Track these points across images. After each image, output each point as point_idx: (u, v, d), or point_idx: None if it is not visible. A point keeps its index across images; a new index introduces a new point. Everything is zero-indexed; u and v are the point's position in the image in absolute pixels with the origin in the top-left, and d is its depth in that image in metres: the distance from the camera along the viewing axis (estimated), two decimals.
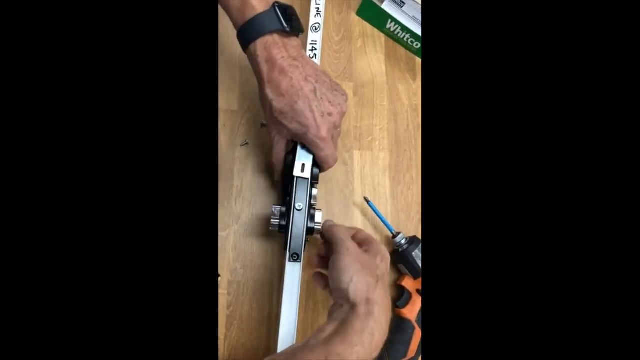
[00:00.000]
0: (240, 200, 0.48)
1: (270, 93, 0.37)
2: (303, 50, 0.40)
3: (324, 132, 0.38)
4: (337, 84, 0.41)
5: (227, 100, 0.51)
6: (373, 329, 0.30)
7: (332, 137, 0.40)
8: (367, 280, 0.33)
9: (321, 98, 0.38)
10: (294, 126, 0.38)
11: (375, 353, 0.31)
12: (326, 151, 0.39)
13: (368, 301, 0.32)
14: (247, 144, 0.50)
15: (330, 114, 0.38)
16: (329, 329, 0.31)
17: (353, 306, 0.32)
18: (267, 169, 0.49)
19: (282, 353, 0.32)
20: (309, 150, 0.41)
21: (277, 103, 0.37)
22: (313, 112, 0.37)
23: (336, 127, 0.39)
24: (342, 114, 0.40)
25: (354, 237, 0.39)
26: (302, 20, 0.40)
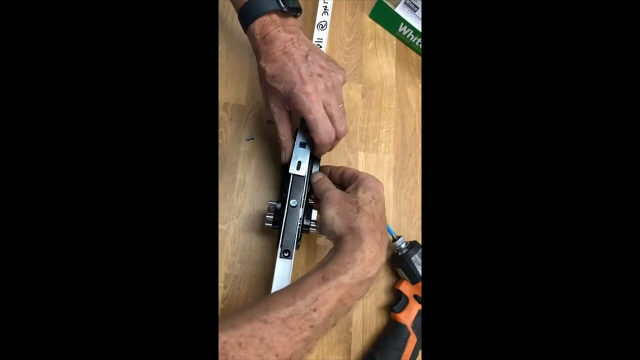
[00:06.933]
0: (242, 194, 0.48)
1: (263, 62, 0.39)
2: (300, 30, 0.40)
3: (309, 88, 0.37)
4: (335, 61, 0.41)
5: (236, 95, 0.51)
6: (363, 248, 0.33)
7: (325, 106, 0.38)
8: (346, 215, 0.35)
9: (312, 61, 0.38)
10: (282, 86, 0.38)
11: (373, 268, 0.33)
12: (314, 113, 0.37)
13: (351, 229, 0.34)
14: (252, 138, 0.50)
15: (320, 75, 0.38)
16: (324, 259, 0.34)
17: (340, 237, 0.34)
18: (271, 165, 0.49)
19: (287, 286, 0.34)
20: (306, 146, 0.41)
21: (269, 69, 0.38)
22: (300, 71, 0.37)
23: (327, 90, 0.38)
24: (337, 82, 0.39)
25: (341, 178, 0.41)
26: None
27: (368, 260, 0.32)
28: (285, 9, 0.38)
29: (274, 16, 0.39)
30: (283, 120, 0.41)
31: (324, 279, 0.31)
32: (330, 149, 0.41)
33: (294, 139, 0.42)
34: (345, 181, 0.40)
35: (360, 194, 0.36)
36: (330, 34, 0.55)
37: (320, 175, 0.41)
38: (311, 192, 0.41)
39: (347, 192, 0.38)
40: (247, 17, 0.39)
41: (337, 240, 0.35)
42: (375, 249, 0.33)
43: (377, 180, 0.38)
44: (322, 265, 0.33)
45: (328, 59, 0.40)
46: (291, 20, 0.40)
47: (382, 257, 0.34)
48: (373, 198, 0.36)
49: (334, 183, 0.40)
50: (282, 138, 0.41)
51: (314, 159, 0.43)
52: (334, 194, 0.37)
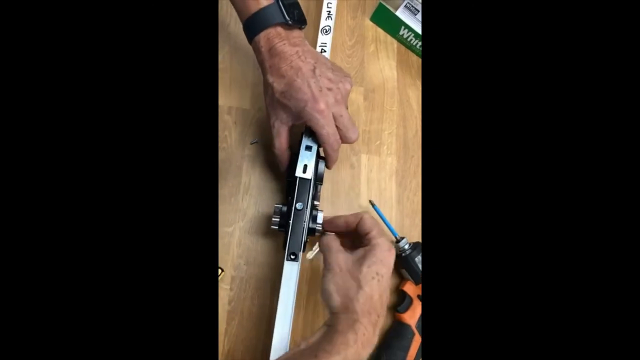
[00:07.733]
0: (248, 197, 0.49)
1: (270, 77, 0.39)
2: (305, 41, 0.41)
3: (322, 105, 0.38)
4: (340, 68, 0.42)
5: (240, 99, 0.52)
6: (356, 329, 0.33)
7: (335, 117, 0.39)
8: (345, 292, 0.34)
9: (320, 75, 0.39)
10: (292, 103, 0.38)
11: (365, 351, 0.33)
12: (327, 128, 0.39)
13: (347, 309, 0.34)
14: (257, 142, 0.50)
15: (329, 89, 0.39)
16: (317, 334, 0.34)
17: (335, 314, 0.34)
18: (276, 168, 0.50)
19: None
20: (312, 149, 0.41)
21: (278, 85, 0.39)
22: (310, 87, 0.38)
23: (337, 102, 0.39)
24: (345, 92, 0.40)
25: (358, 227, 0.39)
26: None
27: (360, 343, 0.32)
28: (290, 22, 0.39)
29: (279, 29, 0.39)
30: (281, 135, 0.42)
31: (317, 357, 0.31)
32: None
33: (289, 150, 0.43)
34: (360, 234, 0.38)
35: (365, 268, 0.35)
36: (332, 37, 0.56)
37: (330, 240, 0.39)
38: (316, 195, 0.42)
39: (354, 255, 0.37)
40: (252, 29, 0.39)
41: (332, 316, 0.34)
42: (368, 332, 0.33)
43: (389, 249, 0.37)
44: (316, 341, 0.33)
45: (334, 68, 0.41)
46: (296, 33, 0.40)
47: (375, 339, 0.34)
48: (377, 274, 0.35)
49: (349, 230, 0.40)
50: (277, 152, 0.43)
51: (319, 161, 0.43)
52: (337, 262, 0.36)
